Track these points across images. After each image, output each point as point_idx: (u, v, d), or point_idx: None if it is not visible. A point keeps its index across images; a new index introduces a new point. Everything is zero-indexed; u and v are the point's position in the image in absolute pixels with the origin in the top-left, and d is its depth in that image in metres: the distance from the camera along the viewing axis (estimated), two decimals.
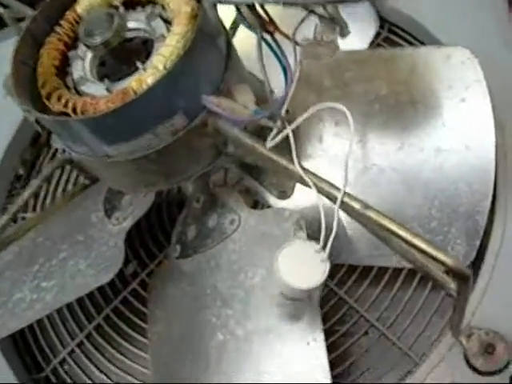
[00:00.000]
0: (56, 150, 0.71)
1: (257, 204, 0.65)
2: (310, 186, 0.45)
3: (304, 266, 0.44)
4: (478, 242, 0.55)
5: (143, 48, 0.52)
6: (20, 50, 0.50)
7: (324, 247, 0.45)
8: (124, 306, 0.68)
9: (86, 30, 0.49)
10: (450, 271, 0.41)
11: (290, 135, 0.47)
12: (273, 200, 0.63)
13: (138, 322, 0.67)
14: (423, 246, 0.42)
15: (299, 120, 0.47)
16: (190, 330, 0.58)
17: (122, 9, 0.51)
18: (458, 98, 0.59)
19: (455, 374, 0.54)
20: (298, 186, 0.61)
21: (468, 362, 0.54)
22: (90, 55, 0.52)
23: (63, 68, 0.53)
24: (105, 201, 0.64)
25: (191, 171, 0.54)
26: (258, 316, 0.54)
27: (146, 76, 0.47)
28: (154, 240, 0.71)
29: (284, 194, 0.62)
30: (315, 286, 0.44)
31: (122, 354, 0.66)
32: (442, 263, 0.41)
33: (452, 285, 0.44)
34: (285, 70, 0.48)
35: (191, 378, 0.56)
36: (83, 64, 0.52)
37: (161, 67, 0.47)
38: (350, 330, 0.62)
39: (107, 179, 0.56)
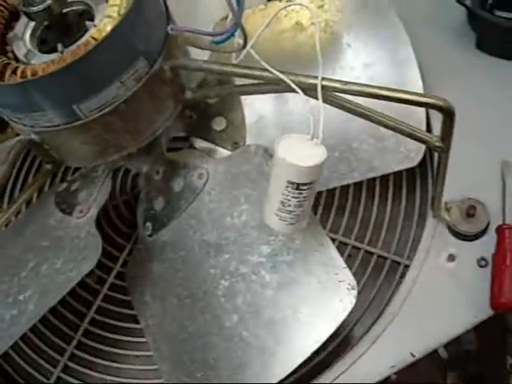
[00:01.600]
0: None
1: None
2: (291, 88, 0.47)
3: (303, 151, 0.46)
4: None
5: (80, 20, 0.52)
6: None
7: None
8: (100, 315, 0.65)
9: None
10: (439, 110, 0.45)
11: (251, 51, 0.50)
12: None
13: (121, 324, 0.64)
14: (408, 96, 0.46)
15: (258, 32, 0.49)
16: (191, 293, 0.56)
17: None
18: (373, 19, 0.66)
19: (448, 248, 0.58)
20: (248, 131, 0.63)
21: (454, 232, 0.58)
22: (28, 33, 0.52)
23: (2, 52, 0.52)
24: (57, 205, 0.61)
25: (156, 124, 0.54)
26: (258, 246, 0.54)
27: (103, 25, 0.48)
28: (108, 241, 0.69)
29: (237, 145, 0.63)
30: (320, 162, 0.45)
31: (114, 362, 0.63)
32: (432, 105, 0.46)
33: (435, 138, 0.49)
34: None
35: (211, 336, 0.54)
36: (24, 43, 0.52)
37: (115, 15, 0.48)
38: None
39: (73, 154, 0.54)
